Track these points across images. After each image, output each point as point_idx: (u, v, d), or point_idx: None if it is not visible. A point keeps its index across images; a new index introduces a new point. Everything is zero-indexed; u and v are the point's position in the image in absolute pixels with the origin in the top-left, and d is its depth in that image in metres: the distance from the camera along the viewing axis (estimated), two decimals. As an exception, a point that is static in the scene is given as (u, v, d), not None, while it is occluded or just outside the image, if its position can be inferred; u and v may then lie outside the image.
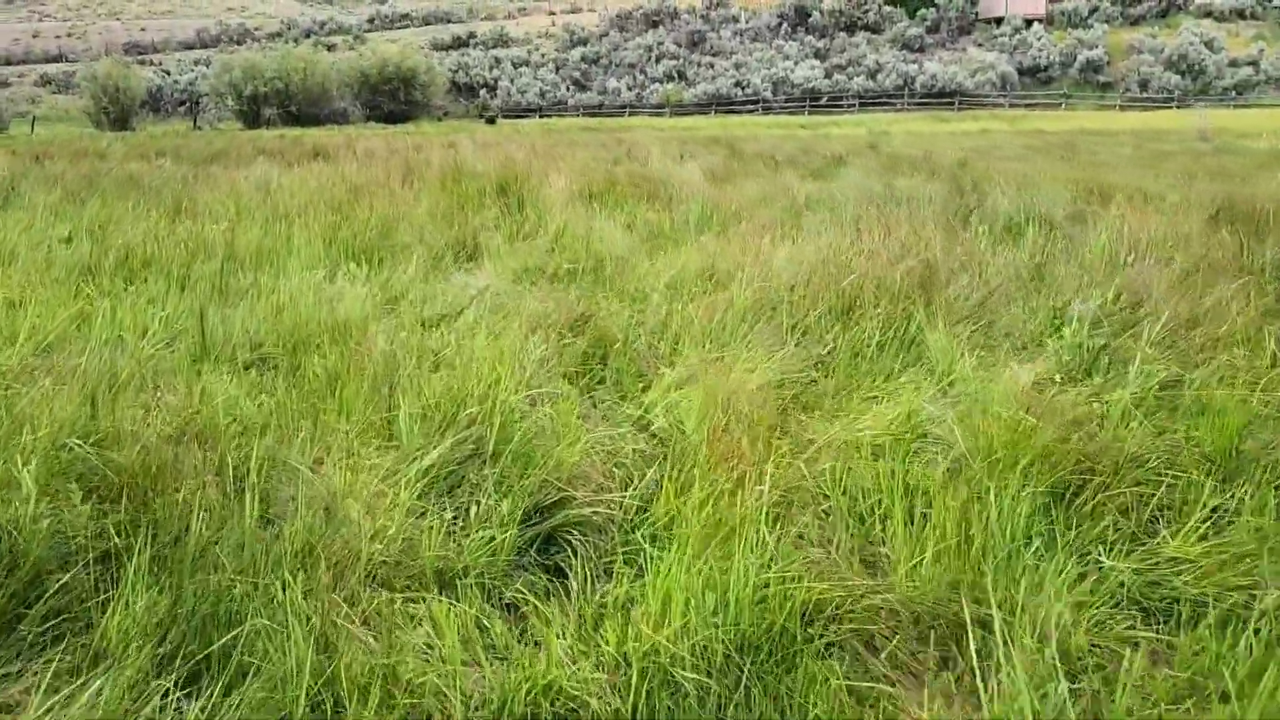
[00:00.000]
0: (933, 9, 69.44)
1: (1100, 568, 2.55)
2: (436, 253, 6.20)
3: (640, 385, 3.85)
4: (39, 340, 4.35)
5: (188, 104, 67.72)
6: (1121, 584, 2.49)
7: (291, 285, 5.42)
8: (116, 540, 2.23)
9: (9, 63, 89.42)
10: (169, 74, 74.67)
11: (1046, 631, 2.21)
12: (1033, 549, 2.57)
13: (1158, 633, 2.38)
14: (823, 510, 2.80)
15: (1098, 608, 2.39)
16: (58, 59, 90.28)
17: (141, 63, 79.66)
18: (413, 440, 3.04)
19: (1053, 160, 14.79)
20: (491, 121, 50.44)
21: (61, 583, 2.10)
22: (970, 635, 2.08)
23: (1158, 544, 2.63)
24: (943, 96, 61.00)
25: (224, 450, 2.84)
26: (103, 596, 2.09)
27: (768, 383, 3.66)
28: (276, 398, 3.48)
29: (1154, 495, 2.78)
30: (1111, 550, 2.60)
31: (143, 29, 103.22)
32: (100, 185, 11.11)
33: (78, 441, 2.80)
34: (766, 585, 2.24)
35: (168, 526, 2.32)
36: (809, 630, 2.17)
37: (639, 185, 10.13)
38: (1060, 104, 57.53)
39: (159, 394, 3.74)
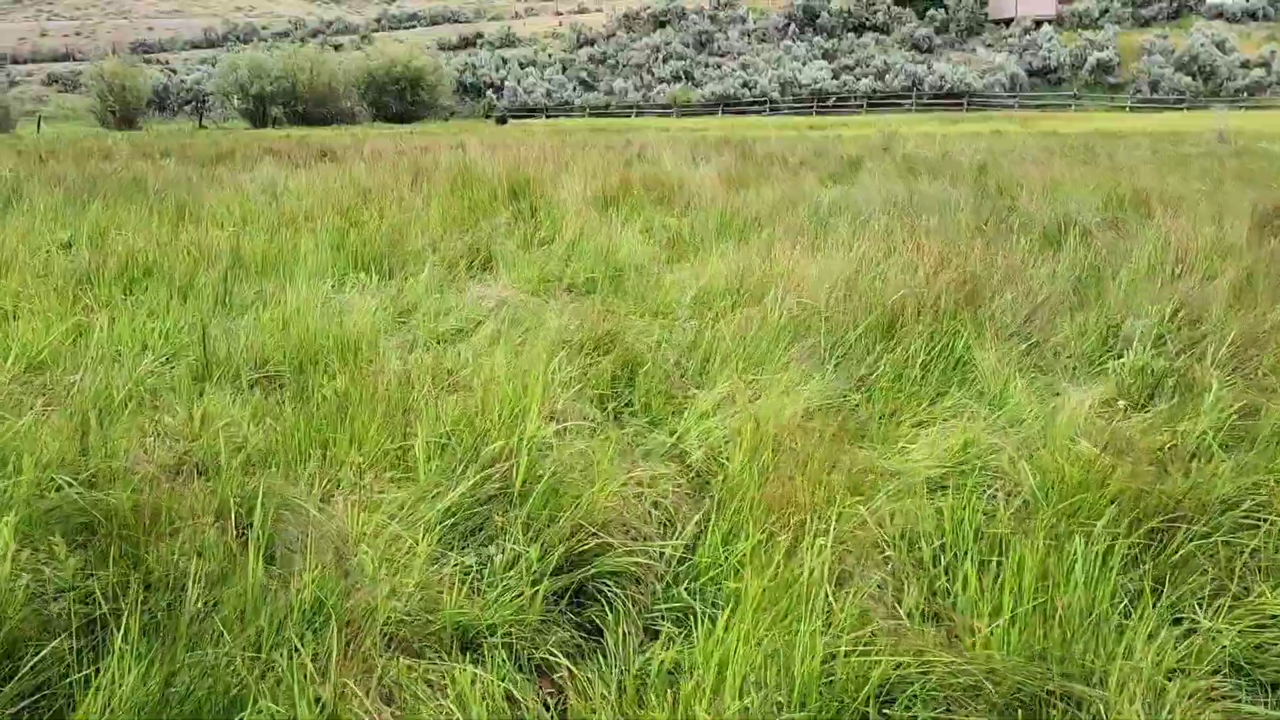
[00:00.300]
0: (941, 10, 69.05)
1: (1196, 629, 2.29)
2: (449, 261, 5.95)
3: (670, 409, 3.60)
4: (31, 356, 4.11)
5: (194, 103, 67.61)
6: (1222, 647, 2.24)
7: (299, 296, 5.18)
8: (104, 604, 1.98)
9: (17, 62, 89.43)
10: (175, 73, 74.59)
11: (1144, 707, 1.96)
12: (1119, 607, 2.32)
13: (1268, 706, 2.12)
14: (882, 556, 2.54)
15: (1198, 677, 2.14)
16: (66, 58, 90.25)
17: (148, 62, 79.64)
18: (430, 474, 2.80)
19: (1073, 163, 14.50)
20: (502, 121, 49.71)
21: (40, 656, 1.85)
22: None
23: (1258, 601, 2.37)
24: (951, 97, 60.65)
25: (225, 491, 2.60)
26: (86, 671, 1.85)
27: (808, 408, 3.41)
28: (283, 423, 3.24)
29: (1248, 544, 2.52)
30: (1207, 608, 2.34)
31: (150, 28, 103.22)
32: (103, 188, 10.89)
33: (67, 479, 2.56)
34: (833, 657, 1.99)
35: (161, 587, 2.08)
36: (885, 713, 1.92)
37: (653, 189, 9.88)
38: (1070, 105, 57.16)
39: (157, 417, 3.50)
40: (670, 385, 3.74)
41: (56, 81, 79.90)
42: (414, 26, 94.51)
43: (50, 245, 6.99)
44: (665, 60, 70.55)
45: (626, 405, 3.66)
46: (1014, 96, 59.97)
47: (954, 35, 68.97)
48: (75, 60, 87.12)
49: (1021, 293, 4.65)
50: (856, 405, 3.60)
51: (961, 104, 59.12)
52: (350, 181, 10.69)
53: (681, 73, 68.82)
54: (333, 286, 5.57)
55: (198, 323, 4.39)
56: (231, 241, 6.60)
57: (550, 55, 74.33)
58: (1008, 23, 68.38)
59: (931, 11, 69.31)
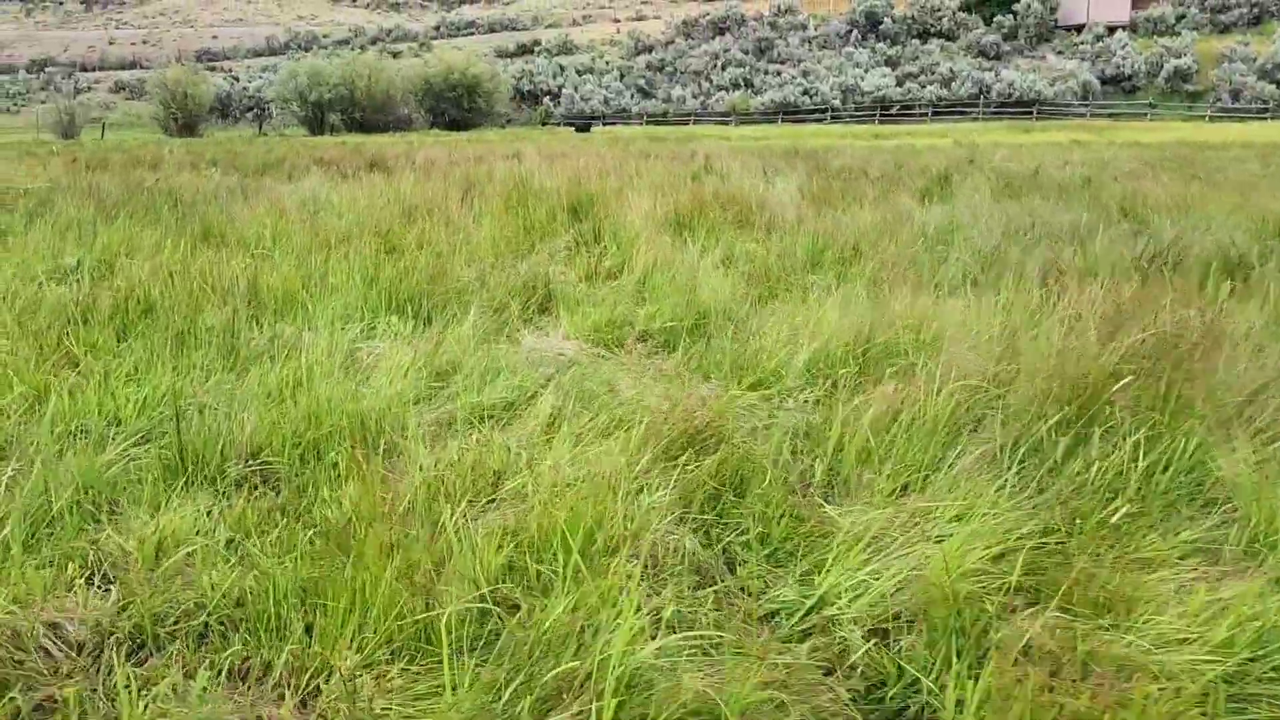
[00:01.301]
0: (1010, 15, 67.10)
1: None
2: (499, 301, 5.00)
3: (799, 538, 2.59)
4: (-34, 436, 3.23)
5: (255, 110, 68.06)
6: None
7: (318, 344, 4.26)
8: None
9: (86, 69, 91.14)
10: (238, 80, 75.23)
11: None
12: None
13: None
14: None
15: None
16: (133, 65, 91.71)
17: (212, 69, 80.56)
18: (465, 692, 1.82)
19: (1182, 179, 13.20)
20: (585, 129, 46.58)
21: None
22: None
23: None
24: (1020, 106, 58.72)
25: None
26: None
27: (1001, 545, 2.38)
28: (262, 570, 2.29)
29: None
30: None
31: (214, 36, 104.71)
32: (136, 201, 10.17)
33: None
34: None
35: None
36: None
37: (729, 207, 8.88)
38: (1145, 114, 54.96)
39: (100, 541, 2.58)
40: (794, 500, 2.73)
41: (123, 89, 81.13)
42: (472, 34, 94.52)
43: (53, 272, 6.18)
44: (724, 67, 69.47)
45: (736, 530, 2.66)
46: (1086, 105, 57.91)
47: (1022, 42, 66.96)
48: (142, 68, 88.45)
49: (1241, 359, 3.56)
50: (1060, 537, 2.56)
51: (1031, 112, 57.20)
52: (396, 197, 9.83)
53: (740, 80, 67.70)
54: (361, 332, 4.64)
55: (184, 389, 3.48)
56: (251, 271, 5.73)
57: (608, 62, 73.65)
58: (1079, 29, 66.25)
59: (999, 17, 67.36)
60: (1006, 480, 2.77)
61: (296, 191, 11.25)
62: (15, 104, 77.13)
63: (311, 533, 2.44)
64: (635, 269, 6.02)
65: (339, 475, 2.86)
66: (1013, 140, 31.28)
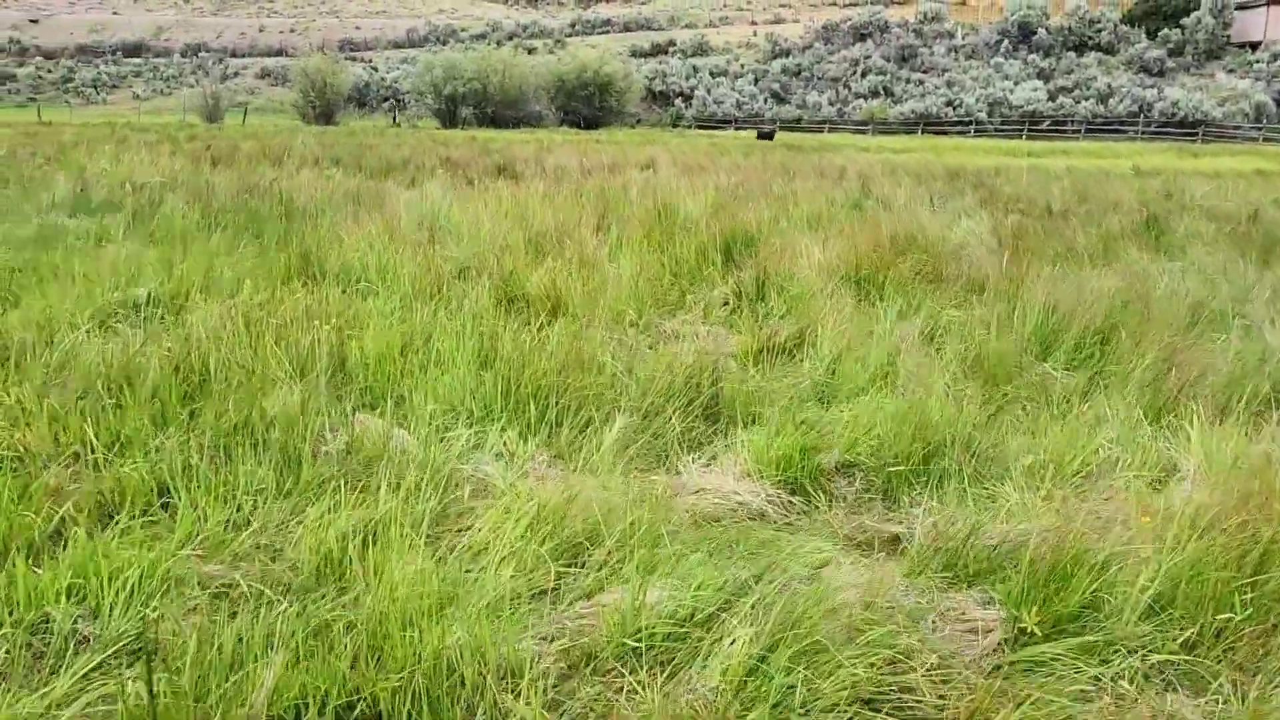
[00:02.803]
0: (1177, 30, 62.79)
1: None
2: (651, 404, 3.72)
3: None
4: None
5: (390, 100, 68.95)
6: None
7: (407, 462, 3.08)
8: None
9: (235, 55, 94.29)
10: (376, 70, 76.47)
11: None
12: None
13: None
14: None
15: None
16: (279, 53, 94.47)
17: (353, 59, 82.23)
18: None
19: None
20: (769, 137, 43.77)
21: None
22: None
23: None
24: (1183, 126, 54.73)
25: None
26: None
27: None
28: None
29: None
30: None
31: (358, 27, 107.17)
32: (245, 208, 9.33)
33: None
34: None
35: None
36: None
37: (908, 249, 7.44)
38: (1327, 141, 50.43)
39: None
40: None
41: (268, 75, 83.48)
42: (607, 32, 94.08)
43: (117, 307, 5.20)
44: (864, 74, 67.06)
45: None
46: (1258, 128, 53.60)
47: (1189, 58, 62.56)
48: (287, 55, 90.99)
49: None
50: None
51: (1195, 134, 53.24)
52: (522, 216, 8.70)
53: (880, 88, 65.22)
54: (467, 442, 3.43)
55: (189, 573, 2.31)
56: (343, 322, 4.61)
57: (743, 65, 72.03)
58: (1254, 46, 61.52)
59: (1165, 31, 63.09)
60: None
61: (416, 202, 10.26)
62: (169, 86, 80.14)
63: None
64: (819, 347, 4.67)
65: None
66: (1182, 165, 28.49)
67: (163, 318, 4.98)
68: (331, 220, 8.45)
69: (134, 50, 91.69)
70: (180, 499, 2.85)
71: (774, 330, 5.09)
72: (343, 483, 3.01)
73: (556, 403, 3.60)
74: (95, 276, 5.81)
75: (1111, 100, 58.86)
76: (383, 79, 73.10)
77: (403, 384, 3.98)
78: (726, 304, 5.88)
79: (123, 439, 3.38)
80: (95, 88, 79.08)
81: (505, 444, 3.34)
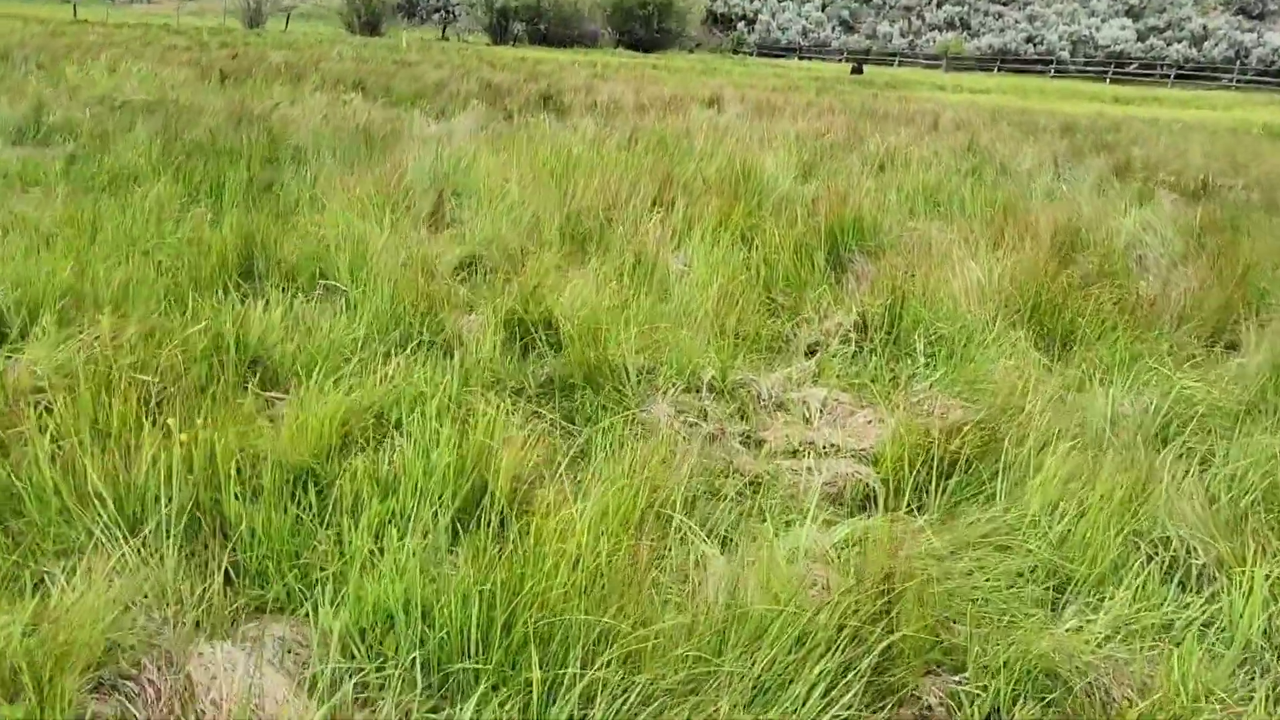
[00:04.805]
0: (1284, -32, 58.21)
1: None
2: (769, 681, 1.95)
3: None
4: None
5: (441, 11, 66.24)
6: None
7: None
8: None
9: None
10: (428, -21, 73.56)
11: None
12: None
13: None
14: None
15: None
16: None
17: (405, -34, 79.20)
18: None
19: None
20: (859, 71, 41.03)
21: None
22: None
23: None
24: (1281, 76, 50.86)
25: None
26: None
27: None
28: None
29: None
30: None
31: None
32: (224, 142, 7.55)
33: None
34: None
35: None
36: None
37: (1071, 250, 5.53)
38: None
39: None
40: None
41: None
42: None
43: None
44: (939, 5, 63.15)
45: None
46: (1369, 81, 49.61)
47: (1295, 0, 58.03)
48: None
49: None
50: None
51: (1295, 84, 49.38)
52: (564, 174, 6.84)
53: (956, 20, 61.42)
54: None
55: None
56: (274, 422, 2.84)
57: (810, -10, 68.24)
58: (1368, -10, 56.82)
59: (1270, -30, 58.56)
60: None
61: (439, 141, 8.41)
62: (216, -13, 77.80)
63: None
64: (1019, 468, 2.85)
65: None
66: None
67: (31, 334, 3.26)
68: (319, 170, 6.64)
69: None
70: None
71: (932, 409, 3.27)
72: None
73: (582, 672, 1.80)
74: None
75: (1206, 44, 54.80)
76: (434, -12, 70.31)
77: (316, 564, 2.21)
78: (847, 339, 4.04)
79: None
80: (141, -14, 76.98)
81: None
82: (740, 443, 3.03)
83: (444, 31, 61.56)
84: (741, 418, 3.31)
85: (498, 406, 2.77)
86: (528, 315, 3.67)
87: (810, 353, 3.99)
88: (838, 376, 3.69)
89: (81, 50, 17.62)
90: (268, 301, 3.78)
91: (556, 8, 56.29)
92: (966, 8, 62.13)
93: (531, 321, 3.67)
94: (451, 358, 3.25)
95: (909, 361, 3.78)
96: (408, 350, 3.37)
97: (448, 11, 65.31)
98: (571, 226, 5.30)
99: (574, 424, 3.04)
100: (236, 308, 3.63)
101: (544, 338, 3.66)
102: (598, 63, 31.40)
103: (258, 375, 3.26)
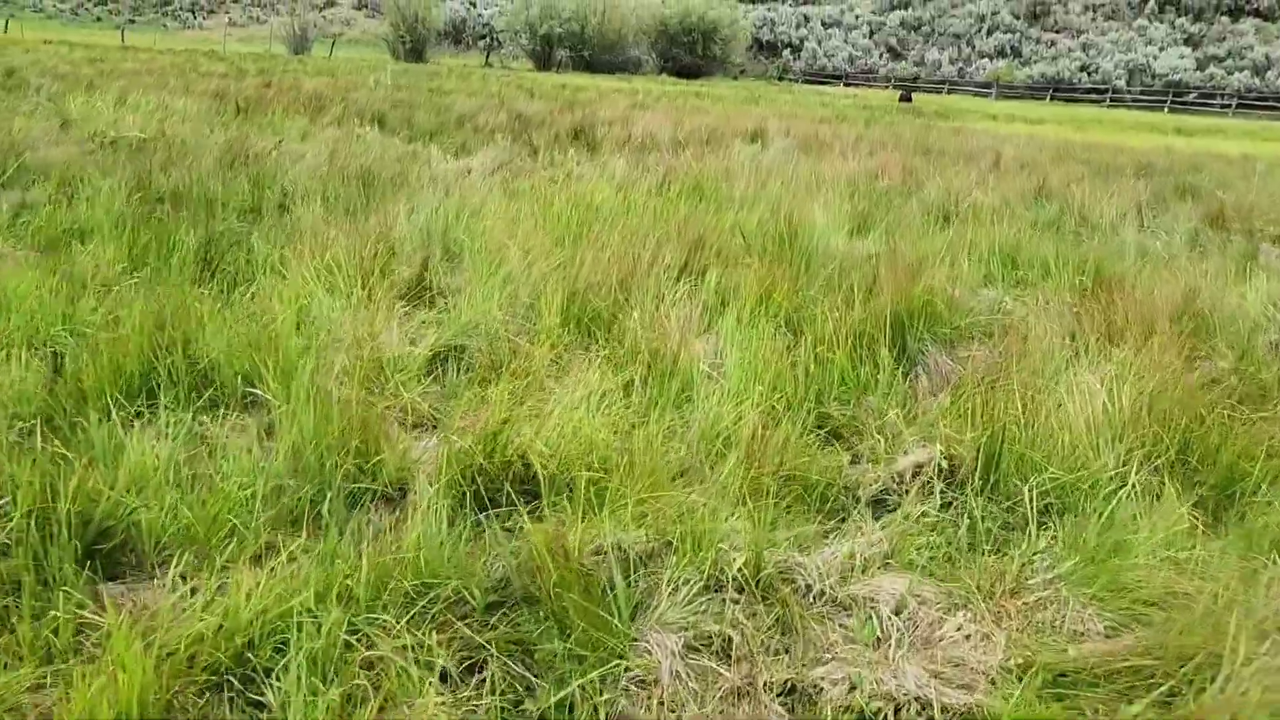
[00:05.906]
0: (1351, -5, 56.30)
1: None
2: None
3: None
4: None
5: (486, 39, 66.19)
6: None
7: None
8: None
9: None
10: (474, 6, 73.69)
11: None
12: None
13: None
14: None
15: None
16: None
17: (453, -7, 79.60)
18: None
19: None
20: (908, 100, 40.14)
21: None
22: None
23: None
24: (1350, 106, 48.88)
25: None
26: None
27: None
28: None
29: None
30: None
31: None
32: (201, 191, 6.71)
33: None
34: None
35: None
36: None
37: (1193, 336, 4.46)
38: None
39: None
40: None
41: (365, 6, 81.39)
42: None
43: None
44: (989, 32, 61.86)
45: None
46: None
47: (1363, 29, 56.01)
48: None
49: None
50: None
51: (1365, 116, 47.42)
52: (579, 232, 5.90)
53: (1007, 47, 60.05)
54: None
55: None
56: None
57: (857, 17, 67.23)
58: None
59: (1337, -3, 56.66)
60: None
61: (448, 184, 7.53)
62: (265, 14, 78.63)
63: None
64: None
65: None
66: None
67: None
68: (300, 222, 5.75)
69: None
70: None
71: (1059, 622, 2.24)
72: None
73: None
74: None
75: (1270, 73, 52.94)
76: (480, 15, 70.35)
77: None
78: (927, 485, 3.01)
79: None
80: (193, 12, 78.02)
81: None
82: (780, 703, 2.01)
83: (488, 58, 61.39)
84: (782, 631, 2.30)
85: (417, 657, 1.79)
86: (490, 463, 2.68)
87: (877, 504, 2.98)
88: (917, 550, 2.67)
89: (106, 79, 17.10)
90: (164, 426, 2.86)
91: (600, 33, 55.85)
92: (1018, 35, 60.76)
93: (494, 472, 2.69)
94: (370, 543, 2.28)
95: (1017, 533, 2.75)
96: (319, 512, 2.41)
97: (492, 38, 65.22)
98: (578, 307, 4.33)
99: (534, 675, 2.05)
100: (105, 441, 2.70)
101: (514, 491, 2.68)
102: (640, 90, 30.60)
103: (106, 550, 2.32)
